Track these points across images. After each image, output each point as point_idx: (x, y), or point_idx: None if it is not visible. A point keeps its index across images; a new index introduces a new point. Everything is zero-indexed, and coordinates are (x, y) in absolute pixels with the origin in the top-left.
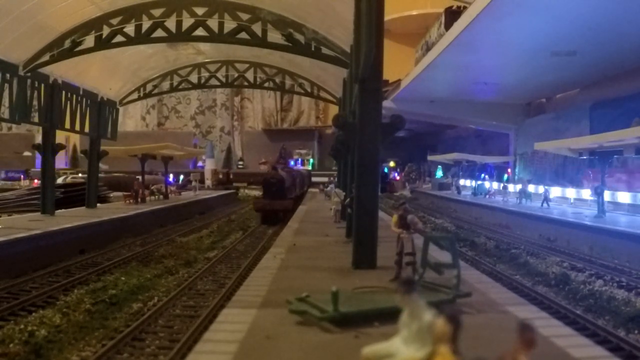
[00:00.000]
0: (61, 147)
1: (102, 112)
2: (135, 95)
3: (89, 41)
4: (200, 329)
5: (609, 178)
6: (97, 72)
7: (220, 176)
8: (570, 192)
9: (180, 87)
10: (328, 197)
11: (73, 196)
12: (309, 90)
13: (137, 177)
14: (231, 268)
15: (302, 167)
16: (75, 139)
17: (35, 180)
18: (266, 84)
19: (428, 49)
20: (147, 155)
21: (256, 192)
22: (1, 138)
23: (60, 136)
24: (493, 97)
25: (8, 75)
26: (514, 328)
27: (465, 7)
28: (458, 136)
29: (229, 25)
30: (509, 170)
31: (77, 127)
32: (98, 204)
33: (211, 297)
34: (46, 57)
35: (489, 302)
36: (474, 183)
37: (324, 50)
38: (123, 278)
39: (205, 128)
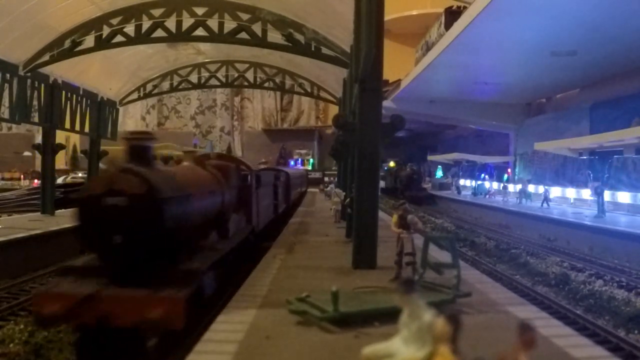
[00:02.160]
0: (61, 147)
1: (102, 112)
2: (135, 95)
3: (89, 41)
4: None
5: None
6: (97, 72)
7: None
8: (570, 192)
9: (180, 87)
10: (328, 197)
11: None
12: (309, 90)
13: None
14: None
15: (301, 167)
16: (75, 139)
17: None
18: (266, 84)
19: (428, 49)
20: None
21: None
22: (1, 138)
23: (60, 136)
24: (493, 97)
25: (8, 75)
26: (514, 328)
27: (465, 7)
28: (458, 136)
29: (229, 25)
30: (509, 170)
31: (77, 127)
32: None
33: None
34: (46, 57)
35: (489, 302)
36: (474, 183)
37: (324, 50)
38: None
39: (205, 128)
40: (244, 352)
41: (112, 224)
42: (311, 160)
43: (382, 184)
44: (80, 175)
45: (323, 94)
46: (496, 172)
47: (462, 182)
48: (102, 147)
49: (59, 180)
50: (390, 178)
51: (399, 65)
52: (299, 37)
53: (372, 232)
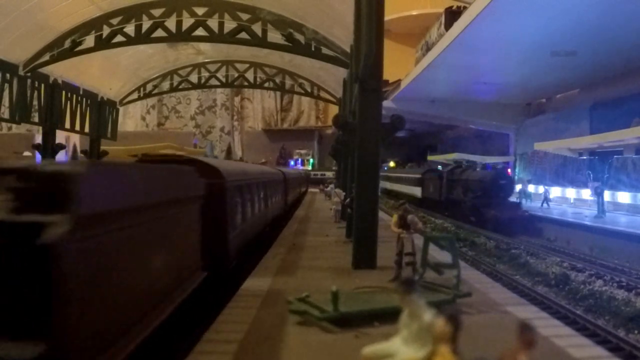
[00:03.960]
0: (61, 147)
1: (102, 112)
2: (135, 95)
3: (89, 41)
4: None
5: None
6: (97, 72)
7: None
8: (570, 192)
9: (180, 87)
10: (328, 197)
11: None
12: (309, 90)
13: None
14: None
15: (301, 167)
16: (75, 139)
17: None
18: (266, 84)
19: (428, 49)
20: (147, 155)
21: None
22: (1, 138)
23: (60, 136)
24: (493, 97)
25: (8, 75)
26: (514, 328)
27: (465, 7)
28: (458, 136)
29: (229, 25)
30: (509, 170)
31: (77, 127)
32: None
33: None
34: (46, 57)
35: (489, 302)
36: None
37: (324, 50)
38: None
39: (205, 128)
40: (244, 352)
41: None
42: (311, 160)
43: (403, 188)
44: None
45: (323, 94)
46: None
47: None
48: (102, 147)
49: None
50: (436, 183)
51: (399, 65)
52: (299, 37)
53: (372, 232)
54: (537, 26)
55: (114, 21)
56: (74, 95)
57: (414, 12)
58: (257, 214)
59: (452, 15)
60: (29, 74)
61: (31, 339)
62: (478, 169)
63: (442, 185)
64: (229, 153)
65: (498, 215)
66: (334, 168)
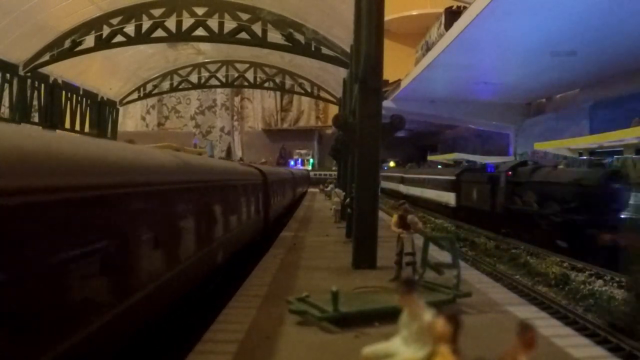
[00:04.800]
0: None
1: (102, 112)
2: (135, 95)
3: (89, 41)
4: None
5: None
6: (97, 72)
7: None
8: None
9: (180, 87)
10: (328, 197)
11: None
12: (309, 90)
13: None
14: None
15: (302, 167)
16: None
17: None
18: (266, 84)
19: (428, 49)
20: None
21: None
22: None
23: None
24: (493, 97)
25: (8, 75)
26: (514, 328)
27: (465, 7)
28: (458, 136)
29: (229, 25)
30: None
31: (77, 127)
32: None
33: None
34: (46, 57)
35: (489, 302)
36: None
37: (324, 50)
38: None
39: (205, 128)
40: (244, 352)
41: None
42: (311, 160)
43: (427, 193)
44: None
45: (323, 94)
46: None
47: None
48: None
49: None
50: (484, 187)
51: (399, 65)
52: (299, 37)
53: (372, 232)
54: (537, 26)
55: (114, 21)
56: (74, 95)
57: (414, 12)
58: (172, 269)
59: (452, 15)
60: (29, 74)
61: None
62: (561, 166)
63: (497, 191)
64: (228, 153)
65: (617, 240)
66: (333, 168)
